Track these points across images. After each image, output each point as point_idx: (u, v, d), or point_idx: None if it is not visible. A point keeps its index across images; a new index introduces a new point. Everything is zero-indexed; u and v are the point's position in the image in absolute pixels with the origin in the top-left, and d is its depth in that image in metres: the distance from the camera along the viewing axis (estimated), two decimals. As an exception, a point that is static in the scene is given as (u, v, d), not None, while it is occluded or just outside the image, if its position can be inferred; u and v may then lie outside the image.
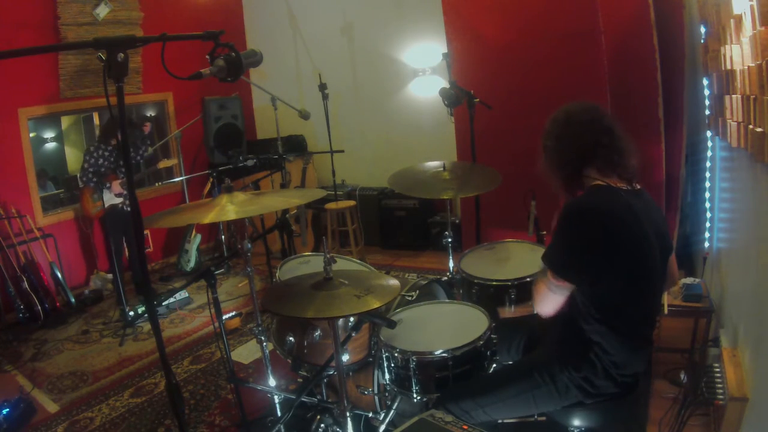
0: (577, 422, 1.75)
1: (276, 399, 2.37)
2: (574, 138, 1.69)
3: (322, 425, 2.20)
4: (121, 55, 1.30)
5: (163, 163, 5.08)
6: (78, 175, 4.40)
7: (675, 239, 3.56)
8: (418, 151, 5.50)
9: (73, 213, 5.08)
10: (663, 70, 3.38)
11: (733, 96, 2.04)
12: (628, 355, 1.65)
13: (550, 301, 1.69)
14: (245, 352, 3.68)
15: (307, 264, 2.61)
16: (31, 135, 4.89)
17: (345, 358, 2.09)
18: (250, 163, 4.29)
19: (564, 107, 1.76)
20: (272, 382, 2.36)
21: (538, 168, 1.79)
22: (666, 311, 2.71)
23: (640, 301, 1.66)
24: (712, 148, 3.18)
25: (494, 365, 2.03)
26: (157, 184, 5.57)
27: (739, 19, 1.87)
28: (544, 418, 1.89)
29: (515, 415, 1.83)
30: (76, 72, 4.94)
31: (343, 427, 1.90)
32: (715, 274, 2.96)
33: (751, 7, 1.65)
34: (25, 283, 4.39)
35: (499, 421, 1.88)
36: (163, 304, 4.44)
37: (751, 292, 2.02)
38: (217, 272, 2.23)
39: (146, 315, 4.18)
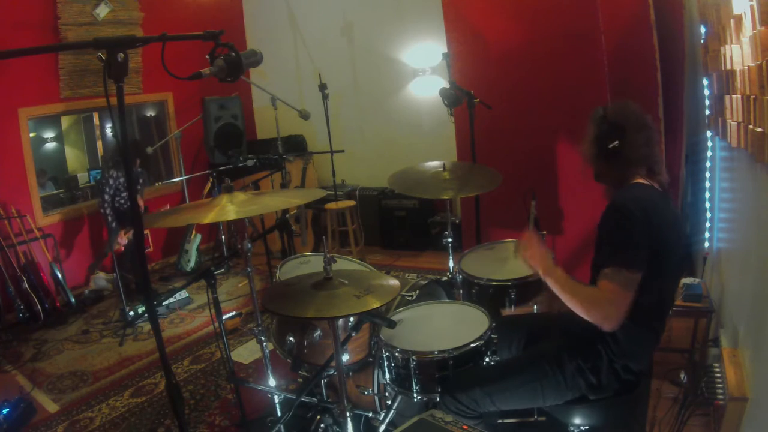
0: (578, 420, 1.76)
1: (276, 399, 2.37)
2: (639, 139, 1.76)
3: (322, 425, 2.21)
4: (121, 55, 1.30)
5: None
6: (98, 201, 4.40)
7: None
8: (418, 151, 5.50)
9: (74, 213, 5.08)
10: (663, 70, 3.37)
11: (733, 96, 2.04)
12: (636, 345, 1.69)
13: (623, 301, 1.58)
14: (245, 352, 3.68)
15: (307, 264, 2.61)
16: (31, 135, 4.88)
17: (345, 358, 2.09)
18: (250, 163, 4.29)
19: (621, 110, 1.84)
20: (272, 382, 2.36)
21: (585, 158, 1.86)
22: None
23: (662, 293, 1.69)
24: (712, 148, 3.18)
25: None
26: (157, 184, 5.57)
27: (739, 19, 1.87)
28: (544, 418, 1.90)
29: (522, 406, 1.84)
30: (76, 72, 4.94)
31: (343, 427, 1.90)
32: (715, 274, 2.96)
33: (751, 7, 1.65)
34: (25, 283, 4.39)
35: (499, 421, 1.89)
36: (163, 304, 4.44)
37: (751, 292, 2.02)
38: (217, 272, 2.23)
39: (146, 315, 4.18)
